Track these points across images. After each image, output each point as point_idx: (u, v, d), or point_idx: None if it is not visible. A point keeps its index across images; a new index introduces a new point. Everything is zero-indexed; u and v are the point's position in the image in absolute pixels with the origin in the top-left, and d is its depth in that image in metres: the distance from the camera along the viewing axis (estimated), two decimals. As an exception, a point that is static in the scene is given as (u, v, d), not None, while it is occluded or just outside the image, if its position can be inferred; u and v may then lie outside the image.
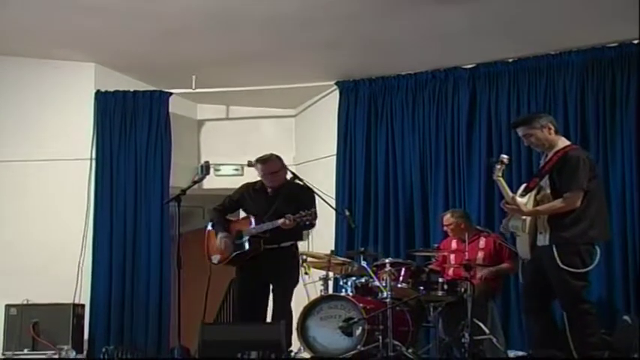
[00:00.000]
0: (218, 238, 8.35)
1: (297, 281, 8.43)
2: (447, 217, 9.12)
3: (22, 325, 9.93)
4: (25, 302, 10.09)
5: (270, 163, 8.28)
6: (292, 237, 8.25)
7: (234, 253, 8.20)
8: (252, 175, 8.55)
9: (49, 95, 11.07)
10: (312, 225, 8.31)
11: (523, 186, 7.07)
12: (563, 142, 7.01)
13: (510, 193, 6.87)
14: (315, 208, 8.22)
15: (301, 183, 8.40)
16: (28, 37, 10.40)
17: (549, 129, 6.98)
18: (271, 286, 8.36)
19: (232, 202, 8.55)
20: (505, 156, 6.95)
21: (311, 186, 8.54)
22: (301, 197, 8.23)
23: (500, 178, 6.87)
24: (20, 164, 10.79)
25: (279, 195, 8.24)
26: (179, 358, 6.98)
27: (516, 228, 6.97)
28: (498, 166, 6.82)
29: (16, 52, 10.88)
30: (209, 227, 8.57)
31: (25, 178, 10.82)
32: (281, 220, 7.89)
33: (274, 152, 8.15)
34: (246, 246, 8.08)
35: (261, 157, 8.34)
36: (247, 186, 8.58)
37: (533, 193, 6.95)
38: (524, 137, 7.09)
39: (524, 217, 6.87)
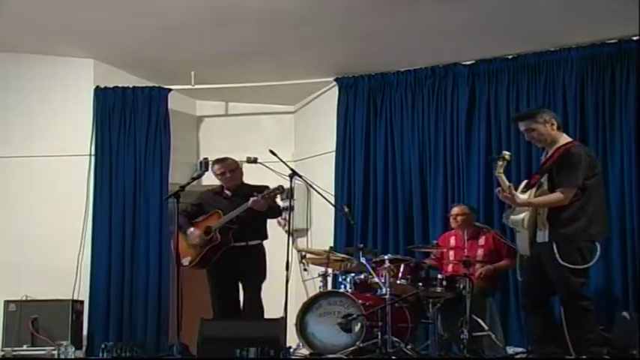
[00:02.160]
0: (188, 233, 8.38)
1: (264, 278, 8.51)
2: (462, 208, 9.12)
3: (21, 321, 9.94)
4: (24, 298, 10.10)
5: (226, 163, 8.46)
6: (259, 235, 8.41)
7: (207, 247, 8.20)
8: (251, 172, 8.55)
9: (48, 91, 11.08)
10: (278, 213, 8.48)
11: (524, 182, 7.08)
12: (564, 138, 7.01)
13: (508, 183, 6.85)
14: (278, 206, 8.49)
15: (256, 184, 8.44)
16: (27, 33, 10.41)
17: (552, 124, 6.97)
18: (241, 284, 8.48)
19: (194, 206, 8.62)
20: (507, 152, 6.93)
21: (310, 182, 8.56)
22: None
23: (502, 175, 6.86)
24: (19, 160, 10.82)
25: (238, 195, 8.34)
26: (178, 356, 6.97)
27: (516, 224, 6.95)
28: (500, 163, 6.80)
29: (15, 48, 10.90)
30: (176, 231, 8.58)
31: (23, 174, 10.85)
32: (251, 199, 7.94)
33: (273, 149, 8.15)
34: (218, 237, 8.10)
35: (217, 158, 8.59)
36: (206, 191, 8.77)
37: (534, 189, 6.95)
38: (526, 132, 7.07)
39: (523, 214, 6.87)
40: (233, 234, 8.17)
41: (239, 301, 8.52)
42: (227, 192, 8.47)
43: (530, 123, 7.01)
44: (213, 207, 8.41)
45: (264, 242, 8.61)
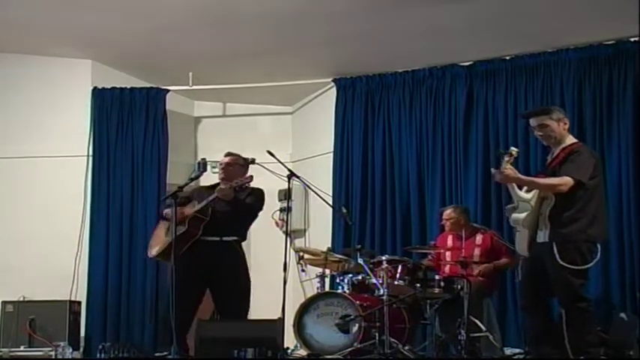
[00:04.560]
0: (160, 224, 8.31)
1: (242, 280, 8.13)
2: (449, 212, 9.14)
3: (19, 321, 9.94)
4: (21, 299, 10.11)
5: (227, 157, 8.31)
6: (235, 231, 8.08)
7: (170, 240, 7.83)
8: (249, 172, 8.56)
9: (45, 92, 11.09)
10: (253, 213, 8.20)
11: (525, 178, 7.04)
12: (570, 139, 6.99)
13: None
14: (260, 203, 8.21)
15: (254, 187, 8.27)
16: (25, 34, 10.41)
17: (565, 123, 6.98)
18: (212, 288, 8.07)
19: (183, 198, 8.15)
20: (514, 148, 6.87)
21: (308, 183, 8.54)
22: (249, 192, 8.15)
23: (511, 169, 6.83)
24: (16, 161, 10.84)
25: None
26: (175, 357, 6.96)
27: (516, 222, 6.93)
28: (507, 158, 6.76)
29: (12, 49, 10.92)
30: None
31: (21, 174, 10.87)
32: (217, 188, 7.81)
33: (271, 149, 8.11)
34: (186, 225, 7.79)
35: (230, 152, 8.39)
36: (203, 186, 8.57)
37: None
38: (539, 127, 7.00)
39: (524, 213, 6.85)
40: (205, 227, 7.89)
41: (195, 308, 8.01)
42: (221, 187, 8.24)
43: (544, 119, 6.97)
44: (199, 200, 8.15)
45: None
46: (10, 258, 10.47)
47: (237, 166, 8.25)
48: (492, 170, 6.99)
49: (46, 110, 11.05)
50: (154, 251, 8.28)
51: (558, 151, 6.94)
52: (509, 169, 6.73)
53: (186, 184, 8.27)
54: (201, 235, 7.82)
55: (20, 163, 10.85)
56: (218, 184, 8.20)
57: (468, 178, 10.20)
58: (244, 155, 8.33)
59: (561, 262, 6.54)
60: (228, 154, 8.38)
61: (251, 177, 7.81)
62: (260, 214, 8.50)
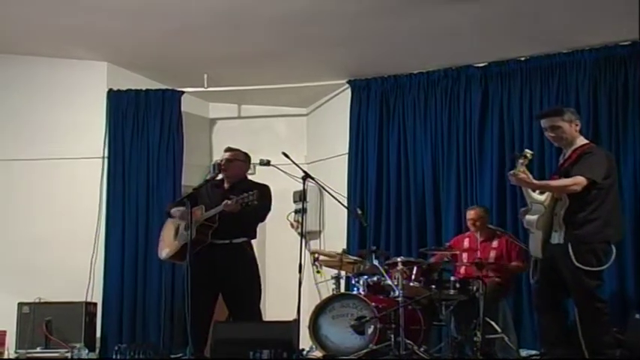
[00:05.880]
0: (168, 223, 8.27)
1: (254, 281, 8.06)
2: (476, 211, 9.14)
3: (35, 323, 9.96)
4: (37, 300, 10.12)
5: (228, 152, 8.24)
6: (244, 232, 8.03)
7: (183, 243, 7.88)
8: (264, 174, 8.56)
9: (62, 94, 11.11)
10: (261, 214, 8.07)
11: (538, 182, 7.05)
12: (581, 140, 6.99)
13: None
14: (267, 202, 8.06)
15: (259, 182, 8.22)
16: (42, 36, 10.46)
17: (576, 124, 6.97)
18: (224, 291, 8.02)
19: (189, 196, 8.10)
20: (529, 150, 6.84)
21: (323, 184, 8.55)
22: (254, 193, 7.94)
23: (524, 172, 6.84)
24: (32, 162, 10.87)
25: (235, 188, 7.99)
26: (191, 357, 6.99)
27: (530, 224, 6.92)
28: (521, 161, 6.74)
29: (30, 51, 10.96)
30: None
31: (37, 176, 10.89)
32: (224, 202, 7.66)
33: (286, 151, 8.11)
34: (193, 233, 7.67)
35: (230, 147, 8.31)
36: (207, 180, 8.45)
37: None
38: (550, 128, 6.99)
39: (537, 214, 6.85)
40: (213, 233, 7.81)
41: (211, 313, 7.95)
42: (226, 184, 8.20)
43: (556, 120, 6.96)
44: (206, 198, 8.07)
45: (254, 242, 8.25)
46: (26, 260, 10.50)
47: (238, 161, 8.21)
48: (508, 173, 6.98)
49: (62, 112, 11.05)
50: (164, 254, 8.30)
51: (570, 152, 6.94)
52: (522, 173, 6.72)
53: (201, 186, 8.25)
54: (211, 239, 7.80)
55: (35, 165, 10.87)
56: (222, 180, 8.17)
57: (484, 178, 10.20)
58: (260, 157, 8.33)
59: (576, 264, 6.53)
60: (227, 150, 8.32)
61: (256, 193, 7.65)
62: (276, 215, 8.50)
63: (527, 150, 6.89)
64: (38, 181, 10.90)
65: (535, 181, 6.83)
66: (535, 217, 6.85)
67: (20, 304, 10.10)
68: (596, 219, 6.64)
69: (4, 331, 10.01)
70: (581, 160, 6.78)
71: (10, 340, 10.04)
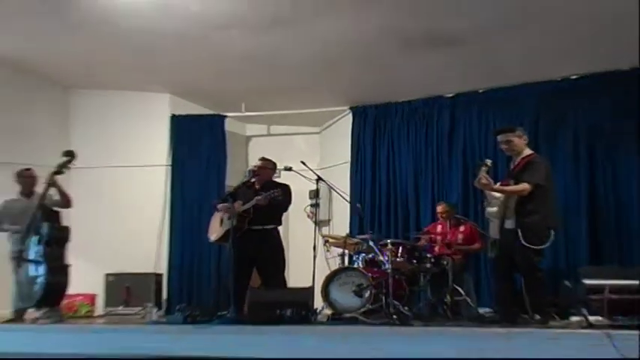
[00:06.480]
0: (215, 214, 8.09)
1: (280, 258, 7.90)
2: (444, 206, 9.17)
3: (118, 288, 10.08)
4: (119, 272, 10.21)
5: (260, 163, 8.11)
6: (272, 221, 7.86)
7: (226, 229, 7.74)
8: (287, 177, 8.50)
9: (137, 118, 11.17)
10: (284, 206, 7.89)
11: (498, 184, 6.98)
12: (527, 151, 6.91)
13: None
14: (288, 198, 7.89)
15: (283, 183, 8.06)
16: (121, 74, 10.51)
17: (525, 139, 6.90)
18: (258, 265, 7.87)
19: (230, 194, 7.90)
20: (489, 160, 6.84)
21: (331, 185, 8.51)
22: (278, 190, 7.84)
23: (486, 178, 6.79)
24: (117, 169, 10.95)
25: (264, 189, 7.81)
26: (231, 315, 6.92)
27: (490, 215, 6.92)
28: (483, 168, 6.71)
29: (110, 86, 11.02)
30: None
31: (119, 179, 10.95)
32: (256, 198, 7.57)
33: (304, 160, 8.06)
34: (234, 222, 7.54)
35: (262, 157, 8.21)
36: (243, 183, 8.16)
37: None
38: (504, 142, 6.89)
39: (495, 207, 6.81)
40: (249, 220, 7.67)
41: (249, 276, 7.83)
42: (258, 185, 8.01)
43: (510, 135, 6.87)
44: (242, 195, 7.83)
45: (280, 228, 8.04)
46: (111, 243, 10.53)
47: (267, 168, 8.09)
48: (474, 182, 6.91)
49: (137, 132, 11.13)
50: (212, 237, 8.16)
51: (519, 160, 6.85)
52: (484, 179, 6.65)
53: (239, 187, 8.18)
54: (248, 226, 7.70)
55: (118, 172, 10.96)
56: (254, 182, 7.99)
57: (452, 181, 10.18)
58: (284, 164, 8.27)
59: (524, 243, 6.46)
60: (261, 159, 8.20)
61: (279, 190, 7.60)
62: (295, 208, 8.42)
63: (487, 160, 6.86)
64: (120, 183, 10.96)
65: (494, 186, 6.77)
66: (494, 209, 6.83)
67: (107, 275, 10.23)
68: (540, 211, 6.55)
69: (95, 295, 10.15)
70: (527, 167, 6.69)
71: (99, 302, 10.19)
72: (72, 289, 8.03)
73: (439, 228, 9.03)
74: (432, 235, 8.94)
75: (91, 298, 10.03)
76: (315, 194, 9.79)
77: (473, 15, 8.21)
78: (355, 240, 8.80)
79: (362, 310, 7.50)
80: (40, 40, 9.36)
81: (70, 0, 8.28)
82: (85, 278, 9.23)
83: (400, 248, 8.21)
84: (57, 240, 7.72)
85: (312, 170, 8.10)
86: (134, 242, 10.57)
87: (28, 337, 6.64)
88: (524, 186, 6.55)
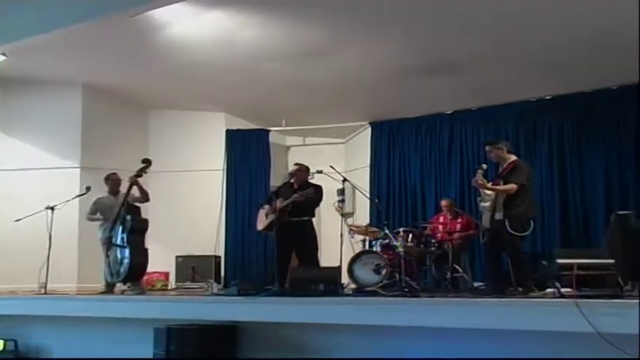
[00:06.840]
0: (263, 212, 8.04)
1: (316, 247, 7.79)
2: (448, 201, 9.07)
3: (185, 267, 10.08)
4: (186, 254, 10.22)
5: (296, 167, 8.04)
6: (307, 213, 7.70)
7: (271, 220, 7.59)
8: (319, 179, 8.33)
9: (199, 132, 11.17)
10: (317, 202, 7.81)
11: (490, 184, 6.96)
12: (512, 157, 6.92)
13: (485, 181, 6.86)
14: (320, 195, 7.77)
15: (316, 183, 7.91)
16: (182, 97, 10.59)
17: (504, 150, 6.90)
18: (296, 249, 7.78)
19: (273, 193, 7.90)
20: (485, 165, 6.87)
21: (355, 184, 8.52)
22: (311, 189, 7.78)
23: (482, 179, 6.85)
24: (183, 174, 10.93)
25: (301, 188, 7.75)
26: (275, 288, 6.97)
27: (484, 208, 6.89)
28: (480, 171, 6.75)
29: (182, 107, 11.07)
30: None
31: (183, 181, 10.90)
32: (294, 196, 7.55)
33: (332, 165, 8.02)
34: (277, 214, 7.43)
35: (297, 163, 8.17)
36: (284, 183, 8.20)
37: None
38: (489, 152, 6.95)
39: (487, 202, 6.79)
40: (289, 213, 7.59)
41: (289, 259, 7.71)
42: (295, 185, 7.85)
43: (493, 147, 6.94)
44: (283, 194, 7.70)
45: (314, 220, 7.89)
46: (181, 231, 10.52)
47: (302, 171, 8.00)
48: (472, 181, 6.96)
49: (200, 143, 11.12)
50: (260, 227, 8.08)
51: (506, 165, 6.86)
52: (480, 180, 6.71)
53: (280, 187, 8.11)
54: (287, 218, 7.65)
55: (186, 175, 10.93)
56: (293, 183, 7.95)
57: (451, 181, 10.16)
58: (317, 168, 8.25)
59: (510, 231, 6.48)
60: (296, 164, 8.12)
61: (312, 189, 7.57)
62: (326, 203, 8.42)
63: (483, 164, 6.89)
64: (184, 184, 10.89)
65: (488, 185, 6.79)
66: (487, 203, 6.81)
67: (177, 257, 10.21)
68: (522, 205, 6.58)
69: (168, 272, 10.14)
70: (514, 171, 6.72)
71: (171, 278, 10.19)
72: (150, 267, 8.12)
73: (441, 219, 8.92)
74: (436, 225, 8.85)
75: (165, 275, 9.99)
76: (341, 192, 9.77)
77: (466, 49, 8.23)
78: (374, 229, 8.87)
79: (380, 284, 7.43)
80: (127, 70, 9.49)
81: (151, 38, 8.27)
82: (160, 259, 9.17)
83: (410, 235, 8.20)
84: (138, 229, 7.86)
85: (339, 173, 8.06)
86: (198, 231, 10.62)
87: (119, 304, 6.92)
88: (512, 186, 6.57)
